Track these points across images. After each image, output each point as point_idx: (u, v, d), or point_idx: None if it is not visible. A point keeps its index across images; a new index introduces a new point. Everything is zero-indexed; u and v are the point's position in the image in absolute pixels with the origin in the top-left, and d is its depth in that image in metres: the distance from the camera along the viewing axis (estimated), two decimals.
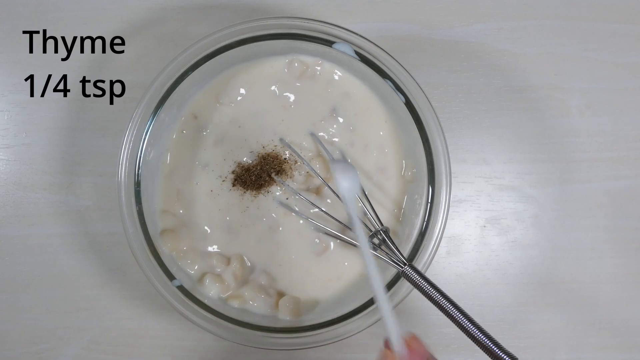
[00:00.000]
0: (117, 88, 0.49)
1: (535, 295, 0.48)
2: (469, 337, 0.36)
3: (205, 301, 0.42)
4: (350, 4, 0.49)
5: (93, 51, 0.49)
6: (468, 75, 0.49)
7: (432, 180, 0.42)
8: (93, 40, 0.49)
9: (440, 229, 0.42)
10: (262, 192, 0.45)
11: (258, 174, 0.44)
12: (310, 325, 0.42)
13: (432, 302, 0.37)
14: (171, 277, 0.42)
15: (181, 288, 0.42)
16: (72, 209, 0.48)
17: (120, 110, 0.49)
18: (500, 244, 0.49)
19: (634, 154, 0.49)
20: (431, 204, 0.42)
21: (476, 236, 0.49)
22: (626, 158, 0.49)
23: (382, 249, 0.41)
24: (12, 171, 0.49)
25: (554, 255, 0.49)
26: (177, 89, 0.42)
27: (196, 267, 0.44)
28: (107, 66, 0.49)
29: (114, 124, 0.49)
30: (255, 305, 0.44)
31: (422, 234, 0.42)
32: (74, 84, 0.49)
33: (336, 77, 0.45)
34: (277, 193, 0.45)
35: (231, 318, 0.42)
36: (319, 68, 0.45)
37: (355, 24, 0.49)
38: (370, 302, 0.42)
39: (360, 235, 0.33)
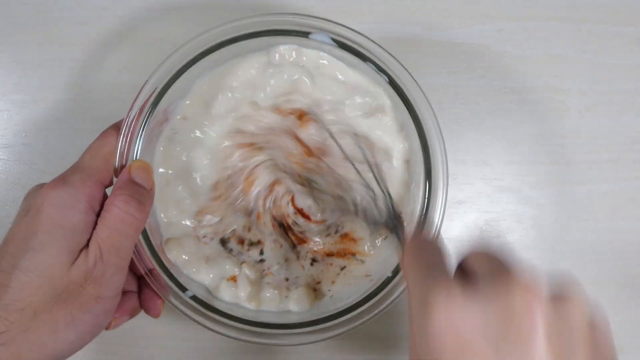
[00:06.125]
0: (117, 88, 0.49)
1: None
2: None
3: (219, 306, 0.41)
4: (350, 6, 0.49)
5: (93, 51, 0.49)
6: (468, 77, 0.49)
7: (428, 177, 0.41)
8: (93, 40, 0.49)
9: (437, 227, 0.41)
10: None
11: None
12: (313, 320, 0.41)
13: None
14: (183, 288, 0.40)
15: (194, 298, 0.40)
16: None
17: (120, 110, 0.49)
18: (500, 245, 0.49)
19: (634, 155, 0.49)
20: (427, 207, 0.41)
21: (475, 237, 0.49)
22: (626, 160, 0.49)
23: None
24: (11, 171, 0.49)
25: (553, 257, 0.49)
26: (163, 98, 0.40)
27: (211, 276, 0.43)
28: (106, 65, 0.49)
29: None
30: (267, 302, 0.43)
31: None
32: (73, 84, 0.49)
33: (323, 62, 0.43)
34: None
35: (240, 318, 0.40)
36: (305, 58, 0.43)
37: (355, 25, 0.49)
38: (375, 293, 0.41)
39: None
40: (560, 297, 0.25)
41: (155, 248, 0.40)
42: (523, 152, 0.49)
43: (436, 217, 0.41)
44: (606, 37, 0.50)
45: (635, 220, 0.49)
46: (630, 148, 0.49)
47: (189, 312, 0.40)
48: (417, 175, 0.42)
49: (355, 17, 0.49)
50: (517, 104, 0.49)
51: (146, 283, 0.39)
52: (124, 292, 0.39)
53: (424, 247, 0.30)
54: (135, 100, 0.39)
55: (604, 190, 0.49)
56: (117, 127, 0.38)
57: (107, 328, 0.36)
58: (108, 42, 0.49)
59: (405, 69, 0.40)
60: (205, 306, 0.40)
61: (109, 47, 0.49)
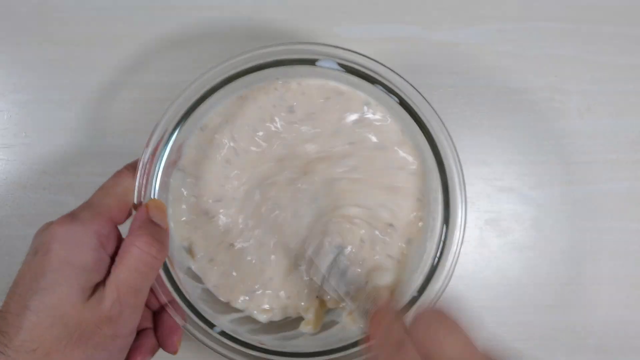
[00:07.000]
0: (117, 88, 0.49)
1: (534, 297, 0.48)
2: None
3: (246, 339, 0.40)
4: (349, 5, 0.49)
5: (93, 51, 0.49)
6: (468, 77, 0.49)
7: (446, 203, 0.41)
8: (93, 40, 0.49)
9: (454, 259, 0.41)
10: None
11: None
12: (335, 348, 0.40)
13: None
14: (210, 324, 0.39)
15: (223, 334, 0.39)
16: (71, 209, 0.48)
17: (121, 111, 0.49)
18: (500, 245, 0.49)
19: (634, 156, 0.49)
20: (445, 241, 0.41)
21: (475, 237, 0.49)
22: (626, 160, 0.49)
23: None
24: (11, 171, 0.49)
25: (552, 257, 0.49)
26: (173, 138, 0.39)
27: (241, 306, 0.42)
28: (106, 66, 0.49)
29: (114, 124, 0.49)
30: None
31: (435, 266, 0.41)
32: (73, 84, 0.49)
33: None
34: None
35: (270, 350, 0.39)
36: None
37: (355, 26, 0.49)
38: None
39: None
40: None
41: (176, 281, 0.39)
42: (523, 152, 0.49)
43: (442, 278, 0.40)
44: (606, 37, 0.50)
45: (635, 220, 0.49)
46: (630, 148, 0.49)
47: (219, 349, 0.39)
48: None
49: (355, 17, 0.49)
50: (517, 104, 0.49)
51: (161, 319, 0.39)
52: (141, 330, 0.38)
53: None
54: (150, 137, 0.38)
55: (604, 190, 0.49)
56: (130, 167, 0.38)
57: None
58: (108, 43, 0.49)
59: (416, 89, 0.39)
60: (235, 341, 0.39)
61: (109, 48, 0.49)
